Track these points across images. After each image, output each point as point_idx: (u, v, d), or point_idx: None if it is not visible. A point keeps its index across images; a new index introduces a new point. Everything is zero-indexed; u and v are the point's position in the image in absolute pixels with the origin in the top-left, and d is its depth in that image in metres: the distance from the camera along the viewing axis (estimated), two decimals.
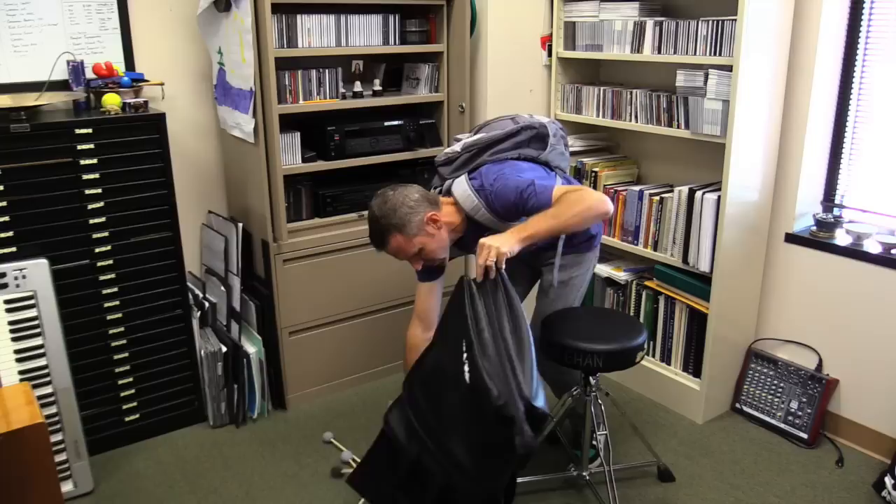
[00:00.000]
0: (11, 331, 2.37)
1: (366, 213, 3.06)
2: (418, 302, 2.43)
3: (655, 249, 2.99)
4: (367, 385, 3.24)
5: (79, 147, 2.47)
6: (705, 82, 2.64)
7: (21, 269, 2.37)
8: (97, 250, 2.57)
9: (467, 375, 1.85)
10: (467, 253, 2.42)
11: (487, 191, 2.18)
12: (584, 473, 2.50)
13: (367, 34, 2.94)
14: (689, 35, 2.71)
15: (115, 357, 2.69)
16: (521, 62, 3.26)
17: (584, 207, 2.03)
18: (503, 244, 1.97)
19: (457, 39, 3.09)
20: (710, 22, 2.62)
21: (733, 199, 2.68)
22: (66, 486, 2.47)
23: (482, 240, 2.01)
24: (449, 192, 2.29)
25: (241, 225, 2.95)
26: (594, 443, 2.53)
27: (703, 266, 2.79)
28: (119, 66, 2.79)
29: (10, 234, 2.41)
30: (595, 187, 3.19)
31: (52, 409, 2.42)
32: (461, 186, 2.23)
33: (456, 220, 2.24)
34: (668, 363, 3.06)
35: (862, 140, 2.74)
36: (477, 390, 1.81)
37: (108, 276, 2.61)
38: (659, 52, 2.85)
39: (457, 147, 2.33)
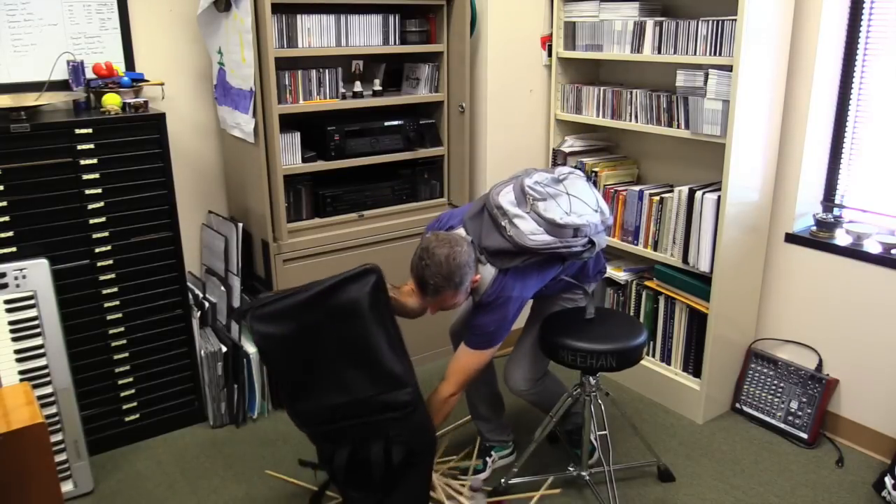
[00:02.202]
0: (11, 331, 2.37)
1: (365, 213, 3.09)
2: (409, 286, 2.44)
3: (655, 249, 2.99)
4: None
5: (79, 147, 2.47)
6: (705, 82, 2.64)
7: (21, 269, 2.37)
8: (97, 250, 2.57)
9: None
10: None
11: (490, 297, 2.20)
12: (584, 473, 2.50)
13: (367, 34, 2.94)
14: (689, 35, 2.71)
15: (115, 357, 2.69)
16: (521, 62, 3.26)
17: (442, 413, 2.27)
18: None
19: (457, 39, 3.09)
20: (710, 22, 2.62)
21: (733, 199, 2.68)
22: (66, 486, 2.47)
23: None
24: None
25: (241, 225, 2.95)
26: (592, 439, 2.54)
27: (703, 266, 2.79)
28: (119, 66, 2.79)
29: (10, 234, 2.41)
30: (595, 187, 3.19)
31: (52, 409, 2.42)
32: (489, 275, 2.21)
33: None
34: (668, 363, 3.06)
35: (862, 140, 2.74)
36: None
37: (108, 276, 2.61)
38: (659, 52, 2.85)
39: (522, 233, 2.17)
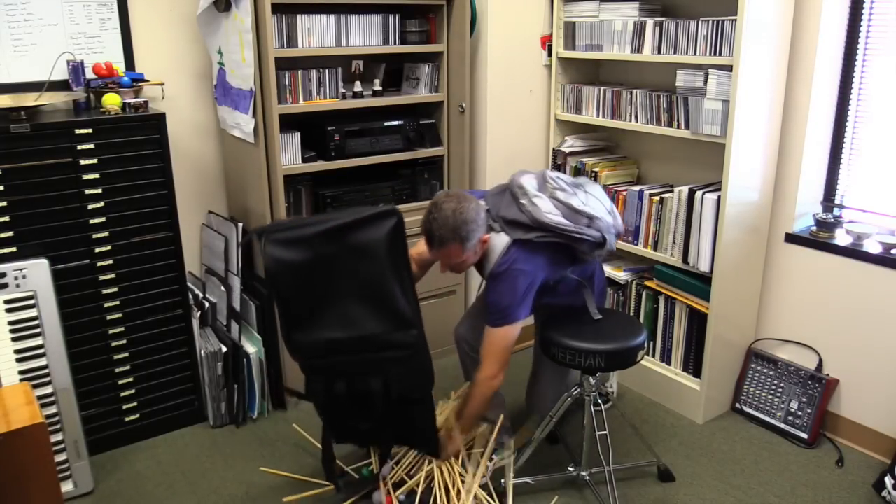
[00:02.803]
0: (11, 331, 2.37)
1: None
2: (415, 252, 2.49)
3: (655, 249, 2.99)
4: None
5: (79, 147, 2.47)
6: (705, 82, 2.64)
7: (21, 269, 2.37)
8: (97, 250, 2.57)
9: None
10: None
11: (501, 267, 2.28)
12: (584, 473, 2.50)
13: (367, 34, 2.94)
14: (689, 35, 2.71)
15: (115, 357, 2.69)
16: (521, 62, 3.26)
17: (487, 401, 2.37)
18: (455, 449, 2.37)
19: (457, 39, 3.09)
20: (710, 22, 2.62)
21: (733, 199, 2.68)
22: (66, 486, 2.47)
23: (448, 450, 2.36)
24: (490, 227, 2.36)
25: (241, 225, 2.95)
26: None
27: (703, 266, 2.79)
28: (119, 66, 2.79)
29: (10, 234, 2.41)
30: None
31: (52, 409, 2.42)
32: (502, 243, 2.30)
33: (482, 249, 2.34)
34: (668, 363, 3.06)
35: (862, 140, 2.74)
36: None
37: (108, 276, 2.61)
38: (659, 52, 2.85)
39: (540, 209, 2.28)
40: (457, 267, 2.33)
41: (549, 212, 2.25)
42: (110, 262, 2.60)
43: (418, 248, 2.46)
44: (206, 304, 2.95)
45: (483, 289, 2.54)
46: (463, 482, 2.35)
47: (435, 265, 2.56)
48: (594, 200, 2.36)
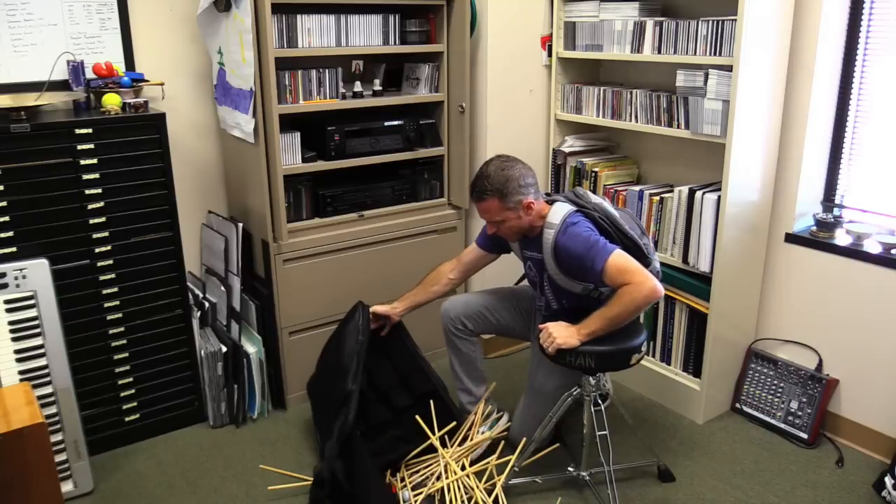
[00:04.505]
0: (11, 331, 2.37)
1: (365, 213, 3.09)
2: (465, 253, 2.73)
3: (655, 249, 2.99)
4: None
5: (79, 147, 2.47)
6: (705, 82, 2.64)
7: (21, 269, 2.37)
8: (97, 250, 2.57)
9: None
10: (519, 255, 2.60)
11: (569, 229, 2.30)
12: (584, 474, 2.50)
13: (367, 34, 2.94)
14: (689, 35, 2.71)
15: (115, 357, 2.69)
16: (521, 62, 3.26)
17: (637, 306, 2.19)
18: (563, 338, 2.22)
19: (457, 39, 3.09)
20: (710, 22, 2.62)
21: (733, 199, 2.68)
22: (66, 486, 2.47)
23: (545, 324, 2.28)
24: (551, 203, 2.42)
25: (241, 225, 2.95)
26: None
27: (703, 266, 2.79)
28: (119, 66, 2.79)
29: (10, 234, 2.41)
30: (595, 187, 3.20)
31: (52, 409, 2.42)
32: (564, 210, 2.34)
33: (538, 223, 2.38)
34: (668, 363, 3.06)
35: (862, 140, 2.74)
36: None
37: (108, 276, 2.61)
38: (659, 52, 2.85)
39: (605, 205, 2.43)
40: (502, 229, 2.37)
41: (614, 210, 2.39)
42: (110, 262, 2.60)
43: (466, 253, 2.71)
44: (206, 304, 2.95)
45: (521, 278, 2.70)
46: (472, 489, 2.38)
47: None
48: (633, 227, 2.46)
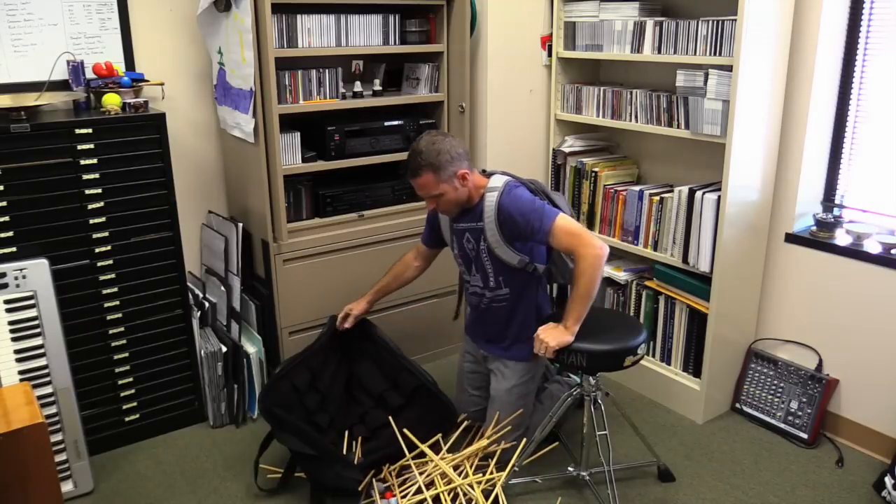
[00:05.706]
0: (11, 331, 2.37)
1: (365, 213, 3.09)
2: (418, 247, 2.78)
3: (655, 249, 2.99)
4: None
5: (79, 147, 2.47)
6: (705, 82, 2.64)
7: (21, 269, 2.37)
8: (97, 250, 2.57)
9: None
10: (449, 236, 2.62)
11: (512, 191, 2.38)
12: (584, 473, 2.50)
13: (367, 34, 2.94)
14: (689, 35, 2.71)
15: (115, 357, 2.69)
16: (521, 62, 3.26)
17: (595, 269, 2.22)
18: (556, 340, 2.24)
19: (457, 39, 3.09)
20: (710, 22, 2.62)
21: (733, 199, 2.68)
22: (66, 486, 2.47)
23: (538, 333, 2.28)
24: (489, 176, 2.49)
25: (241, 225, 2.95)
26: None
27: (703, 266, 2.79)
28: (119, 66, 2.79)
29: (10, 234, 2.41)
30: (595, 187, 3.20)
31: (52, 409, 2.42)
32: (503, 178, 2.43)
33: (475, 195, 2.43)
34: (668, 363, 3.06)
35: (862, 140, 2.74)
36: None
37: (108, 276, 2.61)
38: (659, 52, 2.85)
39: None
40: (441, 203, 2.40)
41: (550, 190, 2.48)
42: (110, 262, 2.60)
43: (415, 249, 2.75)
44: (206, 304, 2.95)
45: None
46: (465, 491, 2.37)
47: (440, 258, 2.76)
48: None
